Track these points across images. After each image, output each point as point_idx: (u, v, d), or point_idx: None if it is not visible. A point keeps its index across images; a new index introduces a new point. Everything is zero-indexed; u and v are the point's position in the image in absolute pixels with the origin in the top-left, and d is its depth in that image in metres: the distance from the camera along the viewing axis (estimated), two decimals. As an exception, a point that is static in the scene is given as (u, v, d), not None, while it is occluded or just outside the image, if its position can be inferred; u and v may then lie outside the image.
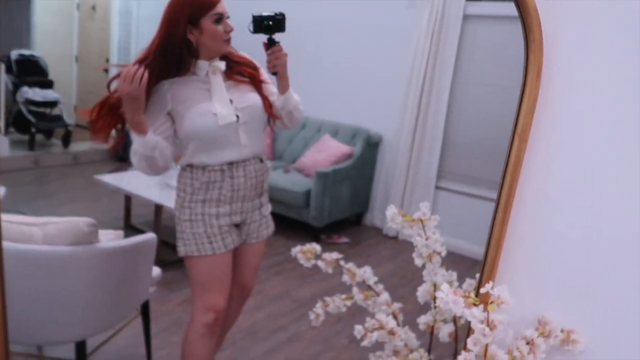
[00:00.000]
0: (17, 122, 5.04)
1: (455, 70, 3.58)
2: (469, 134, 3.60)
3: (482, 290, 0.92)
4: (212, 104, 1.55)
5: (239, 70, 1.64)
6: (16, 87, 5.02)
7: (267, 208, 1.78)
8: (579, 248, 0.99)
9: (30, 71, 5.22)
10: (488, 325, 0.88)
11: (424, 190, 3.74)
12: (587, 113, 0.95)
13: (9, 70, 4.99)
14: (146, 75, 1.39)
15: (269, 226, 1.80)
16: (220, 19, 1.51)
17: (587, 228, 0.97)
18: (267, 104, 1.66)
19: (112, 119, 1.56)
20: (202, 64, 1.56)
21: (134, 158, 1.54)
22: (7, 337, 1.01)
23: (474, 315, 0.88)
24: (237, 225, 1.69)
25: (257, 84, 1.66)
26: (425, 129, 3.72)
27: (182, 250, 1.65)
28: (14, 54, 5.18)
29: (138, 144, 1.50)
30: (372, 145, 3.97)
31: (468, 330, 1.00)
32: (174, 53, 1.51)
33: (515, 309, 0.94)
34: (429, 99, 3.68)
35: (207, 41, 1.52)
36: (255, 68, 1.68)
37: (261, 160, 1.68)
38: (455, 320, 1.21)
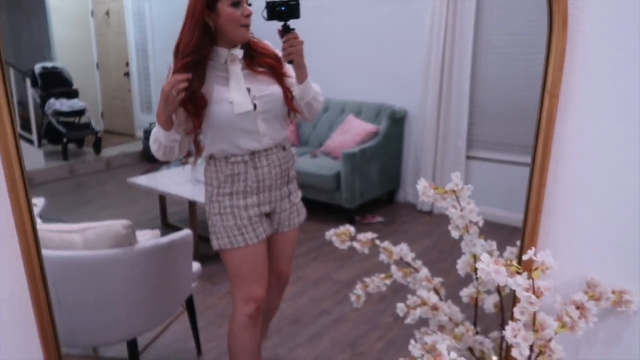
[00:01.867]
0: (48, 134, 5.19)
1: (475, 34, 3.47)
2: (496, 98, 3.49)
3: (525, 257, 0.88)
4: (230, 93, 1.54)
5: (260, 62, 1.61)
6: (43, 100, 5.17)
7: (297, 196, 1.77)
8: (623, 204, 0.94)
9: (55, 83, 5.35)
10: (534, 293, 0.85)
11: (454, 161, 3.67)
12: (620, 60, 0.89)
13: (34, 84, 5.13)
14: (183, 86, 1.41)
15: (301, 214, 1.79)
16: (238, 2, 1.47)
17: (630, 182, 0.92)
18: (288, 96, 1.63)
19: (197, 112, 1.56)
20: (222, 52, 1.54)
21: (153, 145, 1.55)
22: (58, 342, 1.04)
23: (519, 283, 0.85)
24: (268, 215, 1.69)
25: (278, 76, 1.62)
26: (451, 98, 3.63)
27: (215, 244, 1.66)
28: (38, 67, 5.32)
29: (160, 135, 1.52)
30: (397, 121, 3.91)
31: (514, 299, 0.97)
32: (201, 41, 1.50)
33: (561, 273, 0.91)
34: (451, 67, 3.58)
35: (225, 25, 1.49)
36: (278, 60, 1.62)
37: (284, 149, 1.67)
38: (499, 290, 1.18)
